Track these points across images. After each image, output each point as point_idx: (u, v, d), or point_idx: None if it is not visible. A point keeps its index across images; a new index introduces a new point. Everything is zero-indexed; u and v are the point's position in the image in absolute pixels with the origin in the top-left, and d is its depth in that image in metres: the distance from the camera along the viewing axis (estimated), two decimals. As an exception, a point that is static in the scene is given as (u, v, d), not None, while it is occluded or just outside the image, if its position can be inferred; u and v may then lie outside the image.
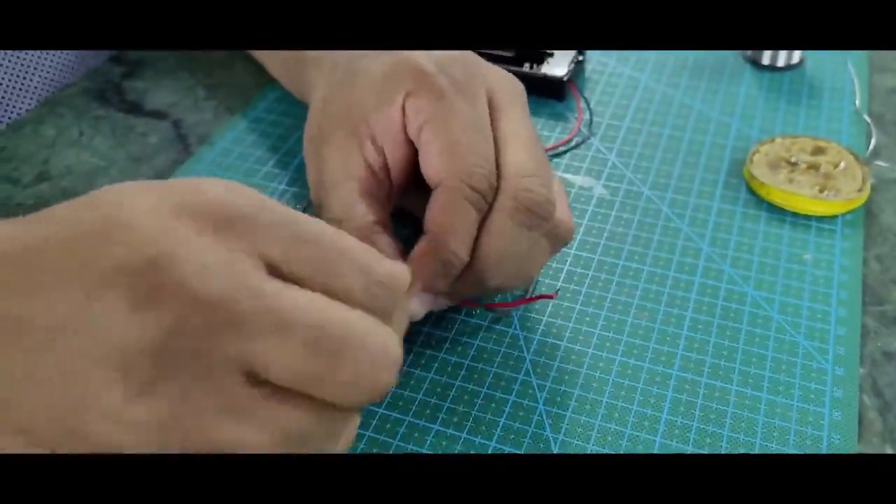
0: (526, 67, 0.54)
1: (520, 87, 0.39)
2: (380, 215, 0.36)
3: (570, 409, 0.36)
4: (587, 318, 0.40)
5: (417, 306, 0.34)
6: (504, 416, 0.36)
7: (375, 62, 0.38)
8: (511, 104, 0.37)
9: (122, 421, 0.22)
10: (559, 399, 0.36)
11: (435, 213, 0.34)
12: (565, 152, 0.51)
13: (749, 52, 0.59)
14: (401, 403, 0.36)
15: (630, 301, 0.41)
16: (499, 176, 0.35)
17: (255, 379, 0.23)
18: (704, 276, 0.42)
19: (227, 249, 0.23)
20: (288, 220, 0.25)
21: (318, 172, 0.38)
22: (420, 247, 0.34)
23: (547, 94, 0.55)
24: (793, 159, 0.48)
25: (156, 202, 0.24)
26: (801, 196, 0.45)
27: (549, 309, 0.40)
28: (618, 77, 0.57)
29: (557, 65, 0.55)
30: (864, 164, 0.47)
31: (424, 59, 0.37)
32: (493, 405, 0.36)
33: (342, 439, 0.26)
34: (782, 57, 0.57)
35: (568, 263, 0.43)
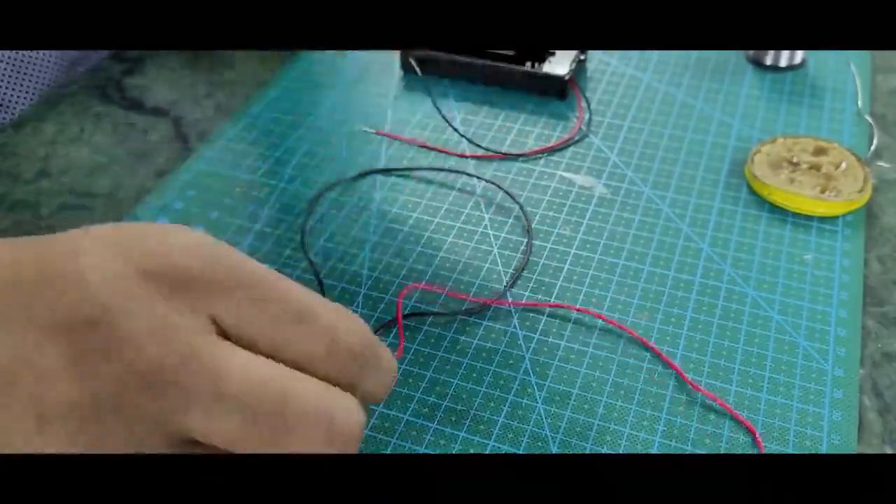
0: (527, 66, 0.54)
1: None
2: None
3: (569, 409, 0.36)
4: (587, 318, 0.40)
5: None
6: (503, 414, 0.36)
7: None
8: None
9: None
10: (558, 398, 0.36)
11: None
12: (566, 151, 0.51)
13: (751, 52, 0.59)
14: (399, 401, 0.36)
15: (630, 301, 0.41)
16: None
17: (196, 444, 0.23)
18: (705, 277, 0.42)
19: (176, 312, 0.23)
20: (250, 283, 0.24)
21: None
22: None
23: (548, 93, 0.55)
24: (794, 159, 0.48)
25: (111, 257, 0.23)
26: (802, 196, 0.45)
27: (549, 308, 0.40)
28: (619, 76, 0.57)
29: (559, 64, 0.54)
30: (865, 164, 0.47)
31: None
32: (492, 404, 0.36)
33: None
34: (784, 57, 0.57)
35: (568, 263, 0.43)
